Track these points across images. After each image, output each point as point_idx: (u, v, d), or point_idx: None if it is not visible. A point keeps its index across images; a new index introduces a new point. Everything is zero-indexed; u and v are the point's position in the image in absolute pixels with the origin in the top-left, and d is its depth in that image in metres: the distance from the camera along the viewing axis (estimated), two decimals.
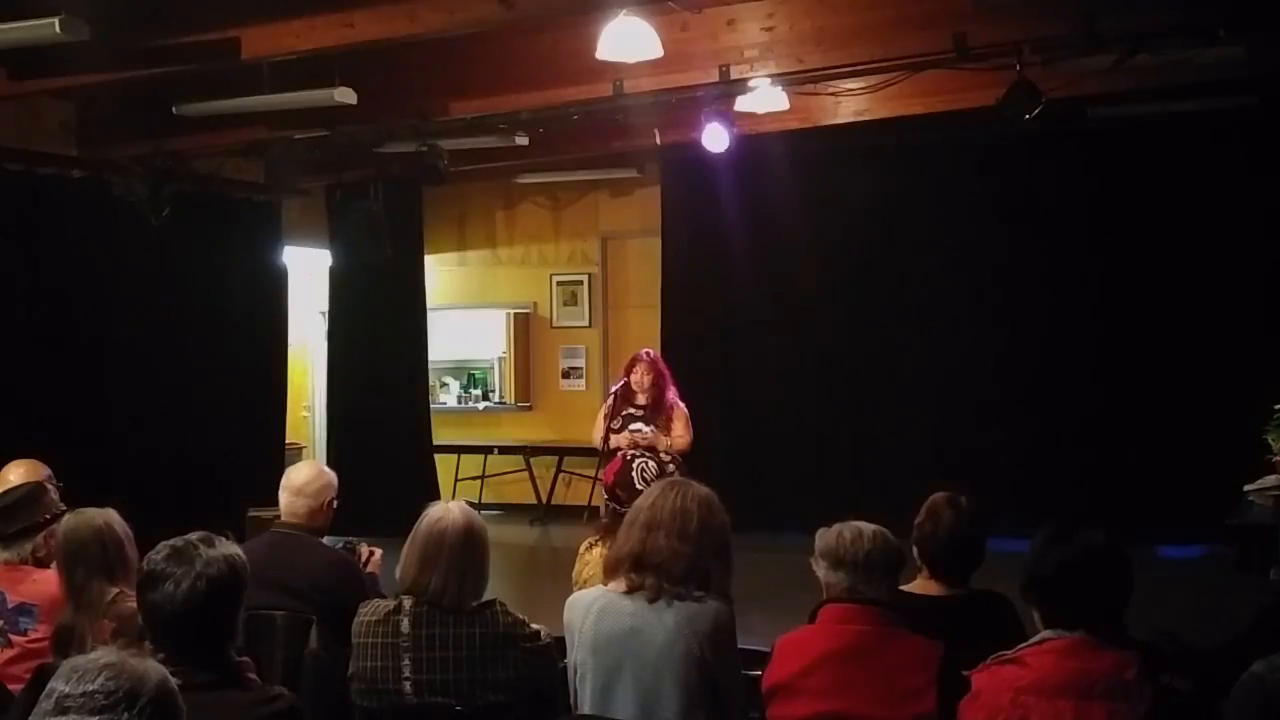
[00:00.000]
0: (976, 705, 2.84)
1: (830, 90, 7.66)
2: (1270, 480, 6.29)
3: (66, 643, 3.54)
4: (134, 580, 2.88)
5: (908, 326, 9.99)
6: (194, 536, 2.78)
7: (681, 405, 7.27)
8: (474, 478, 11.47)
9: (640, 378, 7.20)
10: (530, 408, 11.80)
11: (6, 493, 4.25)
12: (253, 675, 2.80)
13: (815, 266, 10.25)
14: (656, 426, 7.14)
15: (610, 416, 7.22)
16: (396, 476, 10.23)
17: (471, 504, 3.74)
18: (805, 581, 3.48)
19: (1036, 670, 2.77)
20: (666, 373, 7.33)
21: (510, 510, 11.36)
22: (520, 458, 11.40)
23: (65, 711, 1.94)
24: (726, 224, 10.30)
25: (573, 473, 11.23)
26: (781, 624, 3.45)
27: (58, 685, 1.98)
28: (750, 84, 7.23)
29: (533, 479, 11.42)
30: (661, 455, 7.11)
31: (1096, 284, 9.51)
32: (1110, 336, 9.43)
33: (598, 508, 8.60)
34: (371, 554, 4.62)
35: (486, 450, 11.51)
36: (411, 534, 3.59)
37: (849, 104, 8.12)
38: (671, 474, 6.44)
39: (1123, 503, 8.69)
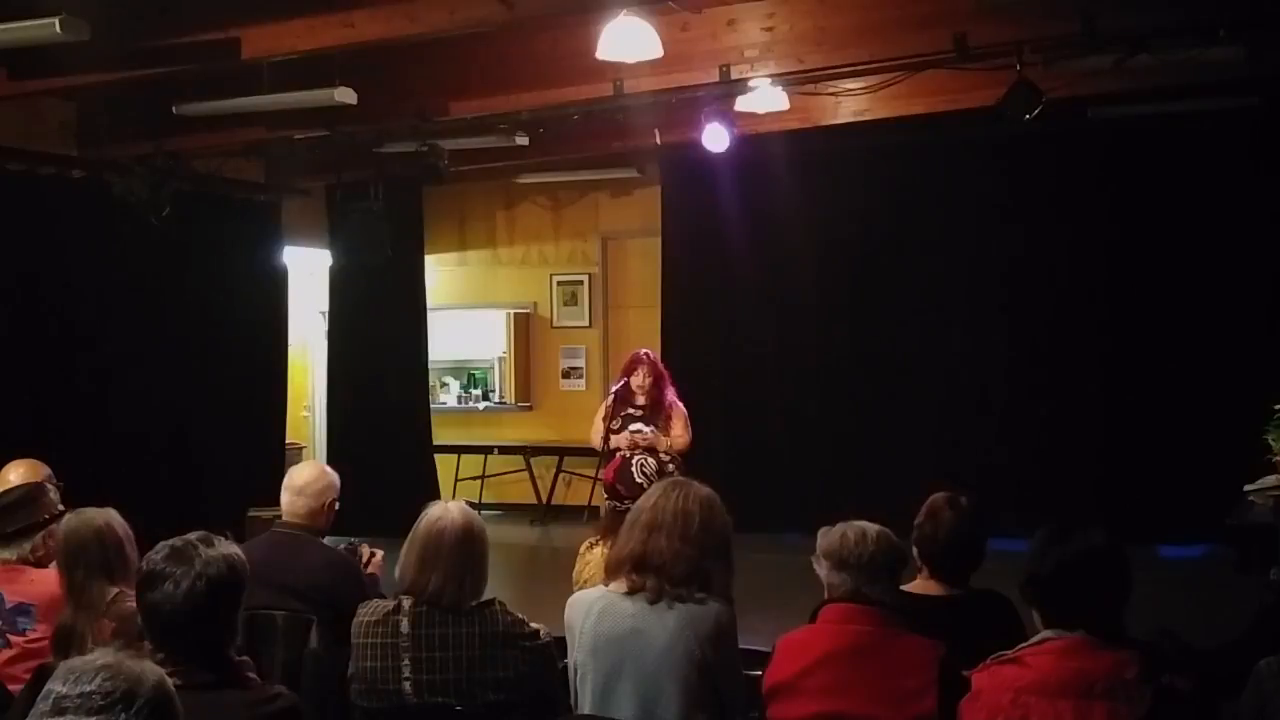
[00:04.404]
0: (976, 705, 2.84)
1: (830, 90, 7.66)
2: (1270, 480, 6.28)
3: (66, 643, 3.54)
4: (134, 580, 2.88)
5: (908, 326, 9.97)
6: (194, 536, 2.78)
7: (680, 405, 7.25)
8: (474, 478, 11.46)
9: (641, 380, 7.18)
10: (530, 408, 11.80)
11: (5, 493, 4.26)
12: (252, 675, 2.80)
13: (815, 266, 10.25)
14: (656, 427, 7.13)
15: (609, 417, 7.21)
16: (396, 476, 10.23)
17: (471, 504, 3.74)
18: (805, 581, 3.47)
19: (1036, 670, 2.77)
20: (665, 373, 7.33)
21: (510, 510, 11.37)
22: (520, 458, 11.40)
23: (62, 712, 1.94)
24: (726, 224, 10.29)
25: (573, 473, 11.23)
26: (782, 624, 3.45)
27: (55, 686, 1.98)
28: (750, 84, 7.23)
29: (533, 479, 11.41)
30: (661, 455, 7.11)
31: (1097, 284, 9.50)
32: (1111, 336, 9.42)
33: (598, 508, 8.59)
34: (373, 555, 4.62)
35: (486, 450, 11.50)
36: (411, 534, 3.59)
37: (849, 104, 8.12)
38: (671, 473, 6.44)
39: (1123, 503, 8.69)
